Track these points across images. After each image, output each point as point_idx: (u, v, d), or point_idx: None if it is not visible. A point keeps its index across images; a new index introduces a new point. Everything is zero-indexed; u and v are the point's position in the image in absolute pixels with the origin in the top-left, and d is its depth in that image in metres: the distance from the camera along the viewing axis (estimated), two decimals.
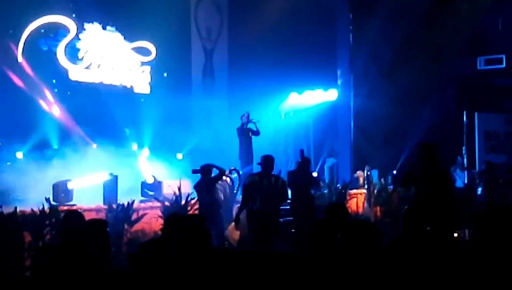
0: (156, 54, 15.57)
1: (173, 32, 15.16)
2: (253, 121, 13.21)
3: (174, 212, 8.07)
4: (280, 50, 15.76)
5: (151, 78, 15.65)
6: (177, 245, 4.80)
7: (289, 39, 15.89)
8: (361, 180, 14.50)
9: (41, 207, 8.91)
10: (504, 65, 16.70)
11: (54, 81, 13.86)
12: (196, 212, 9.78)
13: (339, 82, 16.78)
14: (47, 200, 9.64)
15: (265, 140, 13.96)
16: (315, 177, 10.96)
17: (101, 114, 14.02)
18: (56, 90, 13.78)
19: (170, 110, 14.54)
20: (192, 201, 10.34)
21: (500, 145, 15.47)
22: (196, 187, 9.69)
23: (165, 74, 15.77)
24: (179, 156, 14.50)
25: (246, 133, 13.19)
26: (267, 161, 8.84)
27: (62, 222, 5.63)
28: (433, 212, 6.41)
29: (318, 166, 15.68)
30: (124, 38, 15.29)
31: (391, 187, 14.40)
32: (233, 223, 9.45)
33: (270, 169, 8.86)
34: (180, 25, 15.83)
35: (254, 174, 9.34)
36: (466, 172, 15.03)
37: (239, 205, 9.35)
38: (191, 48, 16.68)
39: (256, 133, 13.27)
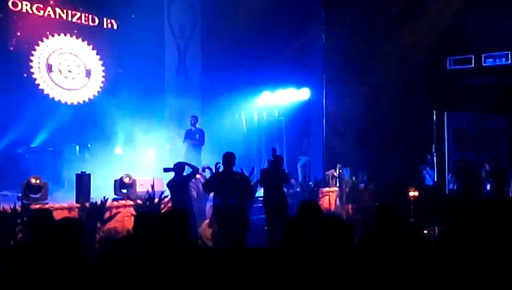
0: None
1: (147, 30, 15.12)
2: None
3: (144, 210, 8.13)
4: (253, 48, 15.81)
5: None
6: (149, 243, 4.81)
7: (262, 38, 15.94)
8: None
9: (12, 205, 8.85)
10: (473, 65, 16.98)
11: None
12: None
13: (311, 81, 16.85)
14: (19, 198, 9.57)
15: (238, 138, 14.01)
16: (287, 175, 11.03)
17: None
18: None
19: (143, 108, 14.50)
20: (165, 199, 10.34)
21: (469, 143, 15.72)
22: (170, 185, 9.70)
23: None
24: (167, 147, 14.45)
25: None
26: (228, 158, 8.96)
27: (31, 222, 5.59)
28: None
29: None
30: None
31: (363, 185, 14.55)
32: (207, 221, 9.50)
33: (231, 166, 8.99)
34: (153, 22, 15.80)
35: (219, 173, 9.41)
36: (435, 170, 15.25)
37: (211, 203, 9.42)
38: (164, 46, 16.64)
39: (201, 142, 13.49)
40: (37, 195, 10.10)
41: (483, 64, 16.83)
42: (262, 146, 16.72)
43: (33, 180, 10.14)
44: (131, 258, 4.51)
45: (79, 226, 5.30)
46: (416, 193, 12.43)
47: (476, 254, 4.42)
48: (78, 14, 14.87)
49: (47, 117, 13.55)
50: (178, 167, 9.74)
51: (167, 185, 9.81)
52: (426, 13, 15.95)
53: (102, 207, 9.82)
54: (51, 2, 14.37)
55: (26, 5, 13.92)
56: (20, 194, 9.89)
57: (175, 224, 4.88)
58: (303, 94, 16.69)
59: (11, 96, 13.28)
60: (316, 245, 4.13)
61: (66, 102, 14.65)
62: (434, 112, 15.25)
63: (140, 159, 13.56)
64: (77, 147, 13.59)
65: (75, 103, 14.86)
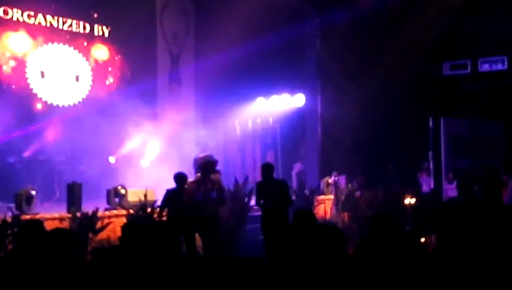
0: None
1: (139, 37, 15.02)
2: None
3: (131, 221, 8.04)
4: (247, 55, 15.71)
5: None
6: (136, 253, 4.72)
7: (256, 44, 15.84)
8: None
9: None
10: (468, 70, 16.95)
11: None
12: (164, 219, 9.64)
13: (306, 88, 16.78)
14: (9, 208, 9.44)
15: (232, 146, 13.91)
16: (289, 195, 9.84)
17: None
18: None
19: (135, 116, 14.39)
20: (158, 209, 10.19)
21: (465, 150, 15.65)
22: (170, 192, 9.54)
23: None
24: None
25: None
26: (206, 165, 9.07)
27: (21, 233, 5.47)
28: None
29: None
30: None
31: (359, 192, 14.45)
32: None
33: (209, 173, 9.05)
34: (145, 30, 15.69)
35: (193, 181, 9.34)
36: (432, 177, 15.17)
37: None
38: (156, 54, 16.53)
39: None
40: (28, 206, 9.96)
41: (479, 70, 16.81)
42: (257, 154, 16.62)
43: (23, 190, 10.00)
44: (120, 268, 4.41)
45: (70, 236, 5.17)
46: (413, 201, 12.35)
47: (473, 262, 4.35)
48: (69, 21, 14.77)
49: (38, 126, 13.42)
50: (179, 177, 9.56)
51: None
52: (422, 19, 15.93)
53: (93, 217, 9.67)
54: (42, 10, 14.24)
55: (17, 12, 13.81)
56: (10, 205, 9.75)
57: (164, 236, 4.75)
58: (298, 100, 16.61)
59: (2, 105, 13.16)
60: (311, 253, 4.06)
61: (58, 111, 14.50)
62: (430, 118, 15.17)
63: (133, 168, 13.46)
64: (68, 157, 13.48)
65: (67, 111, 14.70)
